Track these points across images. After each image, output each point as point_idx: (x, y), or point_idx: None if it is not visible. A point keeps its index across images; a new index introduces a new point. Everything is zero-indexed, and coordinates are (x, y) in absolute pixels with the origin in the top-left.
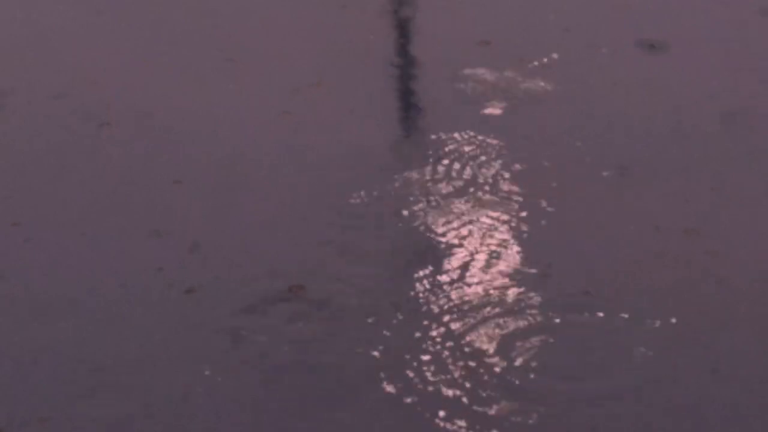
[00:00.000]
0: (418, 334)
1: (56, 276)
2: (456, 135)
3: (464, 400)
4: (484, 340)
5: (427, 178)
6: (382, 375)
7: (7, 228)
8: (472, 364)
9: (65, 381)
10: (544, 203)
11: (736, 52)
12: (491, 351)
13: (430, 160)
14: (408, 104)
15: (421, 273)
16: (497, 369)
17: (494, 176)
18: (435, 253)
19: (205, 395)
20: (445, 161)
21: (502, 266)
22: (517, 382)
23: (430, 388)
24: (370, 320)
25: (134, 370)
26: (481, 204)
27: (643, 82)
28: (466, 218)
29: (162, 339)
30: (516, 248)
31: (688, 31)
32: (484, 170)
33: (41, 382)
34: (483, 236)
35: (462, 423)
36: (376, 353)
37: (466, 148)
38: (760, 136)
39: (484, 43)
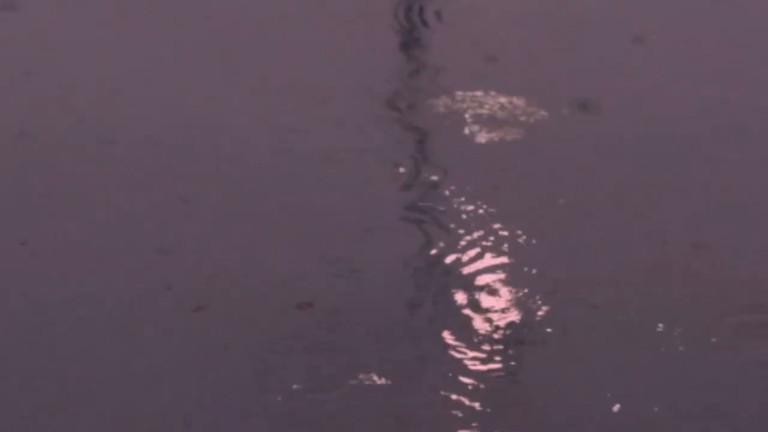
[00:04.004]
0: (425, 350)
1: (64, 294)
2: (462, 149)
3: (473, 418)
4: (491, 356)
5: (435, 193)
6: (391, 391)
7: (15, 246)
8: (480, 381)
9: (72, 398)
10: (551, 217)
11: (739, 59)
12: (499, 366)
13: (438, 175)
14: (416, 120)
15: (428, 290)
16: (504, 382)
17: (500, 191)
18: (443, 270)
19: (213, 411)
20: (453, 177)
21: (509, 281)
22: (523, 396)
23: (438, 405)
24: (378, 337)
25: (142, 387)
26: (488, 218)
27: (653, 91)
28: (473, 234)
29: (171, 356)
30: (525, 262)
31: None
32: (490, 185)
33: (48, 398)
34: (490, 251)
35: None
36: (384, 370)
37: (472, 164)
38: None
39: (491, 59)
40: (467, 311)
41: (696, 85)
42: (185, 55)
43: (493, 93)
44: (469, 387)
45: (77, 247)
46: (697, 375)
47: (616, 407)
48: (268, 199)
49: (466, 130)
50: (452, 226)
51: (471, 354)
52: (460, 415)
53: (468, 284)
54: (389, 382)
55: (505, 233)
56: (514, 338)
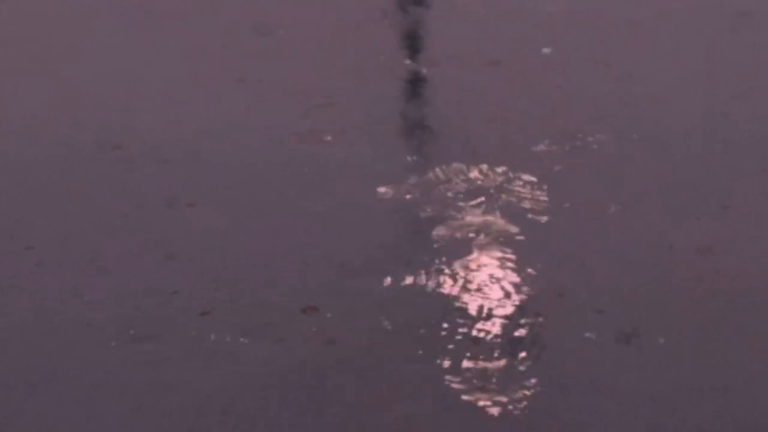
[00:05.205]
0: (430, 356)
1: (69, 299)
2: (466, 152)
3: (477, 421)
4: (496, 361)
5: (439, 196)
6: (394, 396)
7: (21, 251)
8: (484, 385)
9: (78, 404)
10: (557, 223)
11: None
12: (503, 371)
13: (442, 179)
14: (420, 126)
15: (433, 295)
16: (508, 387)
17: (506, 195)
18: (448, 275)
19: (220, 417)
20: (458, 180)
21: (514, 287)
22: (529, 400)
23: (443, 408)
24: (382, 343)
25: (148, 393)
26: (493, 223)
27: (658, 95)
28: (478, 239)
29: (176, 361)
30: (530, 267)
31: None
32: (495, 190)
33: (54, 405)
34: (495, 257)
35: None
36: (388, 374)
37: (477, 168)
38: None
39: (495, 63)
40: (471, 315)
41: (704, 89)
42: (191, 61)
43: (496, 95)
44: (474, 391)
45: (82, 252)
46: (702, 380)
47: (619, 409)
48: (274, 203)
49: (470, 133)
50: (457, 229)
51: (475, 358)
52: (464, 418)
53: (472, 288)
54: (395, 387)
55: (510, 237)
56: (518, 342)
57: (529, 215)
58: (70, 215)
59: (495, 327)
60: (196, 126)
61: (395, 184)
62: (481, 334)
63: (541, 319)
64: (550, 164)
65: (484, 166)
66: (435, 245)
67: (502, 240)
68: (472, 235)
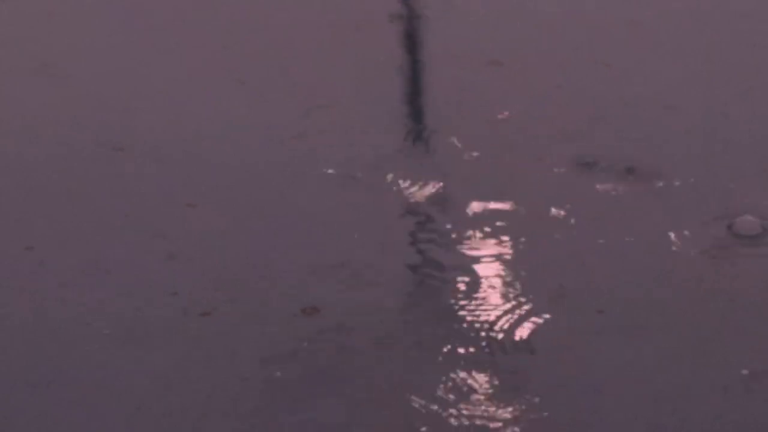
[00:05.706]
0: (429, 357)
1: (70, 300)
2: (468, 154)
3: (478, 424)
4: (496, 361)
5: (439, 199)
6: (392, 399)
7: (21, 252)
8: (485, 387)
9: (78, 406)
10: (557, 223)
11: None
12: (504, 373)
13: (443, 181)
14: (420, 126)
15: (433, 296)
16: (509, 388)
17: (505, 196)
18: (447, 277)
19: (220, 417)
20: (458, 182)
21: (514, 287)
22: (529, 401)
23: (443, 410)
24: (382, 343)
25: (149, 393)
26: (492, 225)
27: (657, 99)
28: (478, 239)
29: (177, 363)
30: (529, 268)
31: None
32: (494, 190)
33: (54, 406)
34: (495, 258)
35: None
36: (388, 374)
37: (477, 169)
38: None
39: (495, 63)
40: (471, 315)
41: (704, 89)
42: (191, 61)
43: (496, 95)
44: (474, 392)
45: (82, 252)
46: (702, 380)
47: (620, 410)
48: (274, 204)
49: (470, 133)
50: (456, 230)
51: (476, 359)
52: (464, 420)
53: (473, 289)
54: (395, 388)
55: (510, 237)
56: (519, 343)
57: (529, 215)
58: (70, 215)
59: (495, 327)
60: (196, 126)
61: (395, 184)
62: (481, 334)
63: (541, 319)
64: (550, 164)
65: (484, 167)
66: (435, 246)
67: (502, 240)
68: (472, 235)
